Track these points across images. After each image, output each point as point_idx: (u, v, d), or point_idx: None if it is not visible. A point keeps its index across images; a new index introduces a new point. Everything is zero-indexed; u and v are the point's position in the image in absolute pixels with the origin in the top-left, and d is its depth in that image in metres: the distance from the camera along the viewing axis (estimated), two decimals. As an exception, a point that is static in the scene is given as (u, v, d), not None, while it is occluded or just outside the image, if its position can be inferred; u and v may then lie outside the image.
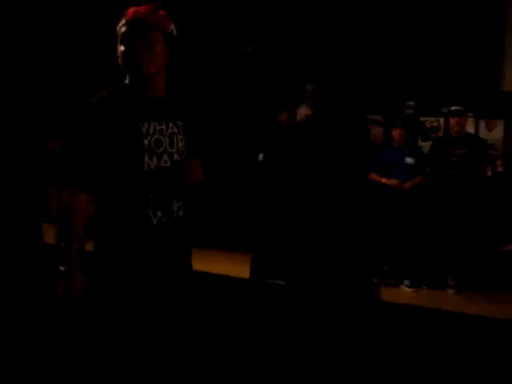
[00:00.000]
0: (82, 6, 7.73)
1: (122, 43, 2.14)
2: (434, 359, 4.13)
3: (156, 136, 2.12)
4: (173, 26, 2.23)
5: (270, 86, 7.69)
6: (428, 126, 7.43)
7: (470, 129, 6.87)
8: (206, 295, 5.55)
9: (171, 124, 2.18)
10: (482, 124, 7.05)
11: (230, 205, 7.46)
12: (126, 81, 2.20)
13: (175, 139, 2.17)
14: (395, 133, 6.56)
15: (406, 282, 6.37)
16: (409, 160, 6.45)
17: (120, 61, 2.16)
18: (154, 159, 2.10)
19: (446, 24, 7.09)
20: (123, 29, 2.13)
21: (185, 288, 2.23)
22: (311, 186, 3.78)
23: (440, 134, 7.17)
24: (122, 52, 2.14)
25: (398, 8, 7.29)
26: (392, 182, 6.35)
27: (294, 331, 3.86)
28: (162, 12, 2.22)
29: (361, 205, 3.87)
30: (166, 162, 2.13)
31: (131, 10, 2.16)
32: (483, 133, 6.98)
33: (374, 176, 6.42)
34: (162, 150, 2.13)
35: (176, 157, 2.16)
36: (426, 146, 7.07)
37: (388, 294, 5.70)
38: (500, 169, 6.88)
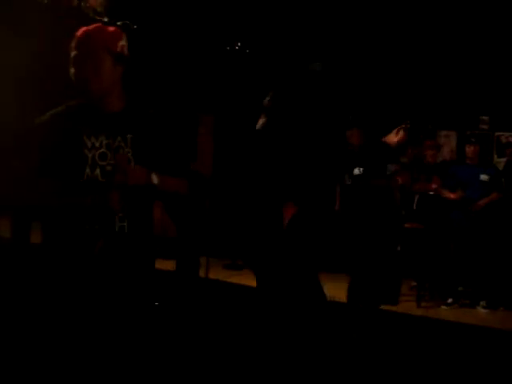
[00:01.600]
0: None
1: (72, 66, 2.27)
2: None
3: (102, 150, 2.28)
4: (122, 43, 2.29)
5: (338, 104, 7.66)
6: (504, 141, 7.21)
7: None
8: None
9: (119, 137, 2.31)
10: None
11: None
12: (81, 99, 2.33)
13: (121, 152, 2.30)
14: (469, 149, 6.39)
15: (482, 303, 6.16)
16: (483, 177, 6.28)
17: (73, 82, 2.29)
18: (97, 171, 2.26)
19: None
20: (73, 53, 2.27)
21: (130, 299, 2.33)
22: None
23: (516, 149, 6.94)
24: (73, 74, 2.28)
25: (473, 22, 7.14)
26: (458, 194, 6.22)
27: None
28: (110, 29, 2.29)
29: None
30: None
31: (79, 32, 2.28)
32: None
33: (445, 192, 6.30)
34: (106, 162, 2.28)
35: None
36: (501, 162, 6.85)
37: (463, 315, 5.54)
38: None
